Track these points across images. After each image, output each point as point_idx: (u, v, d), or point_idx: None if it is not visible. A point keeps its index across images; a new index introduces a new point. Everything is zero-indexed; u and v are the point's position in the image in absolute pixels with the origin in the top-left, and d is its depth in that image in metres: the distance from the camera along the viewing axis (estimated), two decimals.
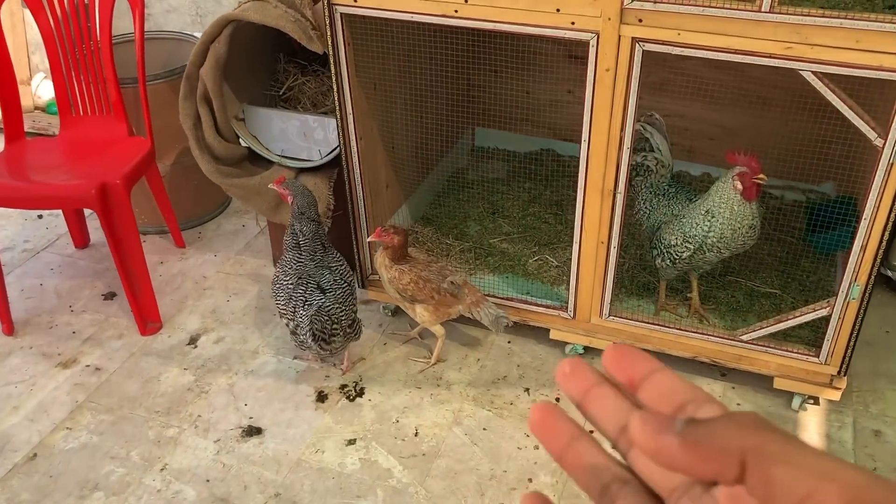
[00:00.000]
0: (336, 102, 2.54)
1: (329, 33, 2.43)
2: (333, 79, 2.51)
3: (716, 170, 3.51)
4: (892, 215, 2.14)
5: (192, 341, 2.92)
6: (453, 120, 3.18)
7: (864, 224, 2.19)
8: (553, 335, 2.78)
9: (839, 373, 2.48)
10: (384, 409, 2.62)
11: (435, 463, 2.42)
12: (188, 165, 3.24)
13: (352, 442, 2.50)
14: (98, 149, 2.97)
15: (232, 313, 3.06)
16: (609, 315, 2.67)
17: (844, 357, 2.44)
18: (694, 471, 0.37)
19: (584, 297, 2.66)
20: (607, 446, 0.44)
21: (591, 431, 0.45)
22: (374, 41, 2.57)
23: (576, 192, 2.34)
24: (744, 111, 3.24)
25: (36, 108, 4.33)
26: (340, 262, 2.63)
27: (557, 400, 2.63)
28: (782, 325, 2.48)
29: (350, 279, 2.62)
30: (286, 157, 2.93)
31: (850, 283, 2.30)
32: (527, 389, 2.68)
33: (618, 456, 0.44)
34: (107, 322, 3.01)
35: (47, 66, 3.16)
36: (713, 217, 2.47)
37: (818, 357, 2.48)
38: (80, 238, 3.40)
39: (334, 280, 2.56)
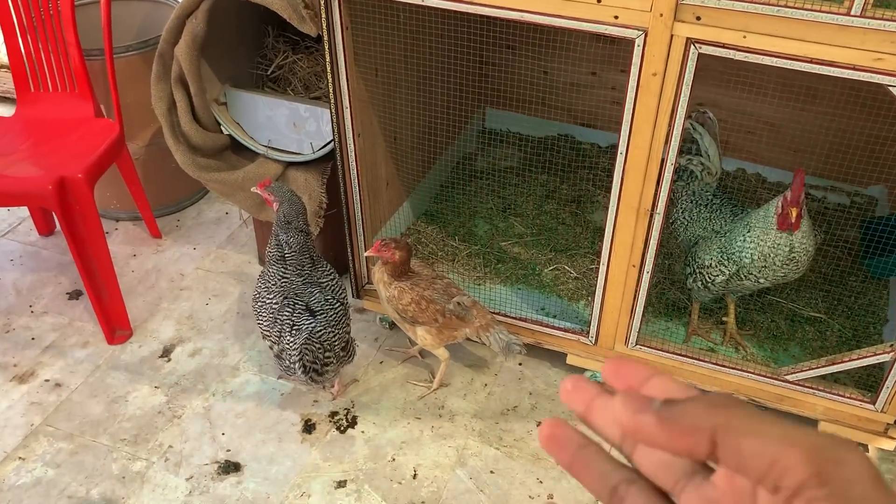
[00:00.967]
0: (331, 95, 2.18)
1: (324, 15, 2.05)
2: (328, 68, 2.14)
3: (751, 166, 3.17)
4: None
5: (166, 353, 2.61)
6: (463, 101, 2.82)
7: None
8: (570, 360, 2.48)
9: None
10: (379, 444, 2.32)
11: None
12: (164, 147, 2.85)
13: (342, 484, 2.21)
14: (59, 133, 2.60)
15: (211, 319, 2.74)
16: (636, 344, 2.36)
17: None
18: (669, 446, 0.40)
19: (608, 323, 2.34)
20: (614, 453, 0.46)
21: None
22: (377, 21, 2.20)
23: (596, 186, 2.01)
24: (787, 103, 2.88)
25: (2, 66, 3.93)
26: (331, 277, 2.30)
27: None
28: (834, 369, 2.17)
29: (343, 297, 2.30)
30: (273, 149, 2.57)
31: None
32: (539, 423, 2.38)
33: (623, 459, 0.46)
34: (70, 327, 2.69)
35: None
36: (750, 240, 2.15)
37: (874, 404, 2.18)
38: (45, 225, 3.06)
39: (325, 300, 2.23)
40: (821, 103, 2.82)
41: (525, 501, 2.17)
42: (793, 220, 2.06)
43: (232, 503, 2.15)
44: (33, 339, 2.64)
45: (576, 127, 3.35)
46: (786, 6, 1.66)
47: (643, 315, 2.35)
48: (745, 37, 1.74)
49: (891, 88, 1.71)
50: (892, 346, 2.08)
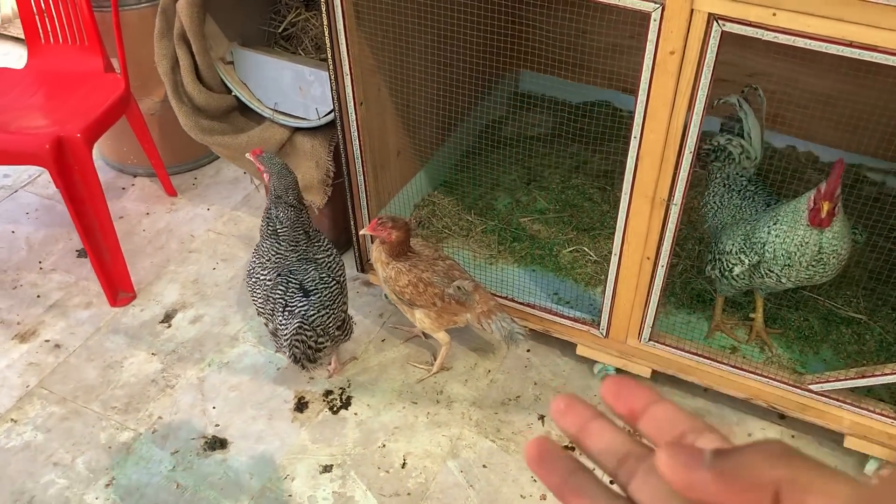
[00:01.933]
0: (329, 62, 2.04)
1: None
2: (325, 32, 1.99)
3: (803, 143, 2.91)
4: None
5: (167, 318, 2.55)
6: (491, 62, 2.64)
7: None
8: (580, 351, 2.33)
9: None
10: (371, 428, 2.23)
11: None
12: None
13: (328, 468, 2.13)
14: (67, 87, 2.53)
15: (216, 285, 2.67)
16: (649, 339, 2.19)
17: None
18: (728, 503, 0.37)
19: (620, 316, 2.18)
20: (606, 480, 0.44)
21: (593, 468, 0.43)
22: None
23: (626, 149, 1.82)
24: (845, 76, 2.60)
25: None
26: (328, 253, 2.19)
27: None
28: (864, 383, 1.97)
29: (339, 274, 2.18)
30: (280, 113, 2.45)
31: None
32: (542, 417, 2.25)
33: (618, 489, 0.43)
34: (76, 286, 2.66)
35: None
36: (776, 234, 1.95)
37: None
38: None
39: (320, 277, 2.12)
40: (882, 78, 2.54)
41: (516, 501, 2.05)
42: (823, 216, 1.85)
43: (214, 481, 2.10)
44: (39, 296, 2.62)
45: (616, 93, 3.14)
46: None
47: (662, 306, 2.18)
48: (774, 14, 1.52)
49: None
50: None
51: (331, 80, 2.08)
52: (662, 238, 1.96)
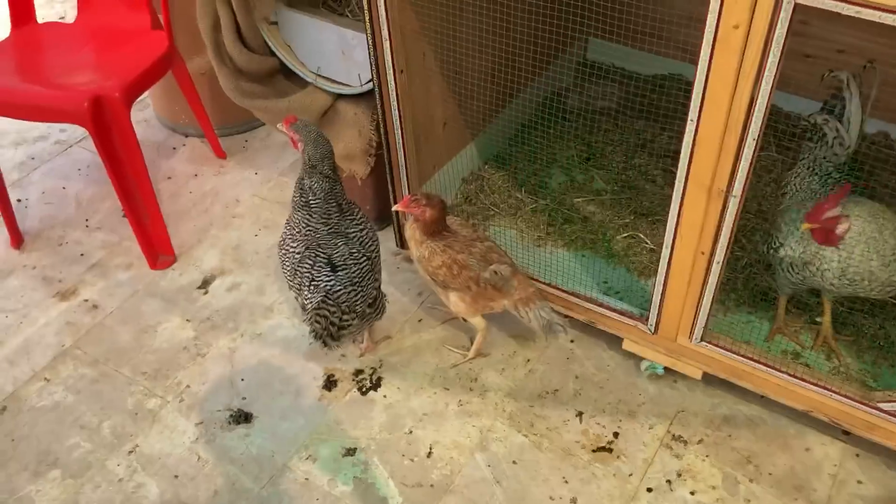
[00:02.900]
0: (367, 26, 1.91)
1: None
2: None
3: None
4: None
5: (205, 284, 2.51)
6: (557, 28, 2.46)
7: None
8: (627, 346, 2.17)
9: None
10: (399, 413, 2.13)
11: (442, 501, 1.94)
12: None
13: (351, 452, 2.05)
14: (112, 44, 2.48)
15: (256, 253, 2.61)
16: (701, 339, 2.01)
17: None
18: None
19: (670, 313, 2.01)
20: None
21: None
22: None
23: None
24: None
25: None
26: (361, 228, 2.08)
27: (616, 435, 2.06)
28: None
29: (371, 250, 2.08)
30: (323, 78, 2.34)
31: None
32: (580, 414, 2.11)
33: None
34: (119, 247, 2.64)
35: None
36: (794, 234, 1.77)
37: None
38: None
39: (350, 253, 2.02)
40: None
41: (544, 503, 1.93)
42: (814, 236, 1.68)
43: (235, 457, 2.05)
44: (82, 255, 2.62)
45: (690, 66, 2.88)
46: None
47: (718, 304, 2.00)
48: None
49: None
50: None
51: (368, 45, 1.95)
52: (719, 232, 1.77)
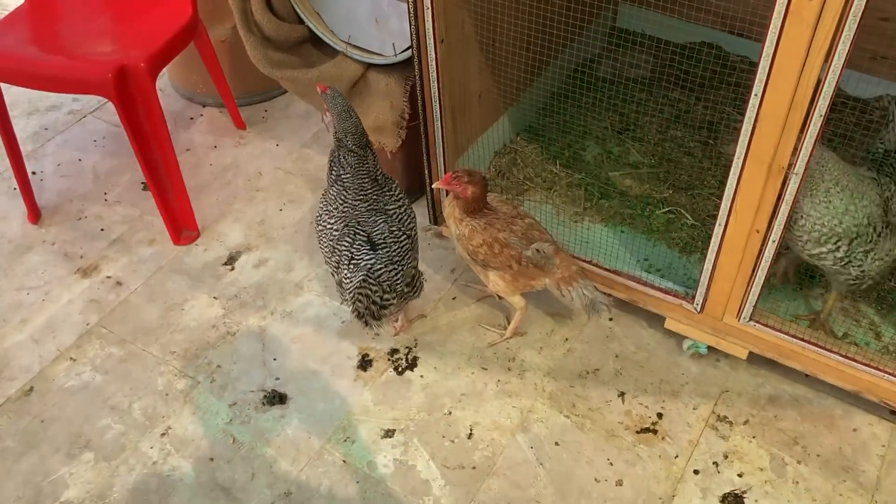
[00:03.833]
0: None
1: None
2: None
3: None
4: None
5: (231, 261, 2.45)
6: None
7: None
8: (669, 325, 2.12)
9: None
10: (436, 393, 2.09)
11: (485, 483, 1.91)
12: None
13: (390, 433, 2.01)
14: (133, 11, 2.39)
15: (282, 227, 2.54)
16: (750, 319, 1.97)
17: None
18: None
19: (719, 291, 1.96)
20: None
21: None
22: None
23: (738, 111, 1.57)
24: None
25: None
26: (400, 204, 2.02)
27: (660, 416, 2.02)
28: None
29: (411, 228, 2.02)
30: (354, 47, 2.25)
31: None
32: (622, 394, 2.07)
33: None
34: (140, 221, 2.57)
35: None
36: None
37: None
38: None
39: (390, 231, 1.96)
40: None
41: (589, 485, 1.89)
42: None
43: (272, 439, 2.01)
44: (102, 229, 2.55)
45: (725, 35, 2.82)
46: None
47: (765, 282, 1.94)
48: None
49: None
50: None
51: (410, 13, 1.87)
52: (777, 210, 1.72)
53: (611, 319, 2.24)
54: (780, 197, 1.69)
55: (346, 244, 1.94)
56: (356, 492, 1.90)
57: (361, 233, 1.95)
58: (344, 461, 1.96)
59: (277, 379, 2.14)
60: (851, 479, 1.88)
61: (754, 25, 2.50)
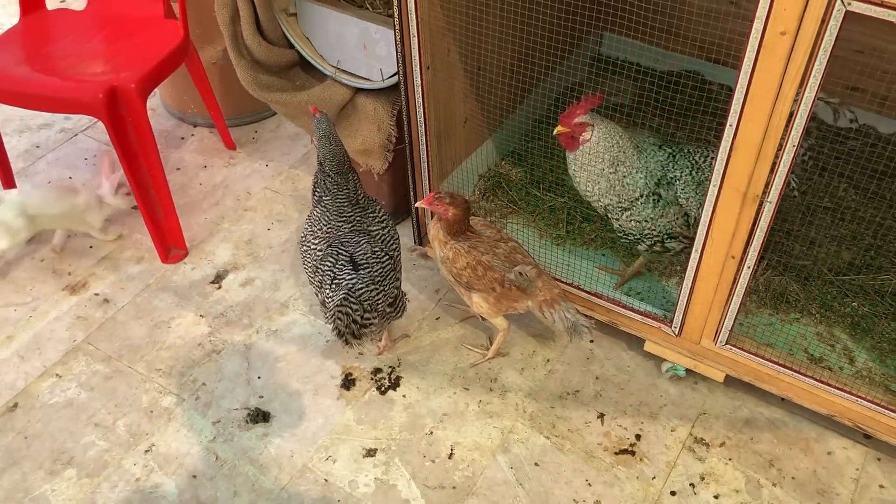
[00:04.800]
0: (395, 21, 1.87)
1: None
2: None
3: None
4: None
5: (218, 279, 2.47)
6: (573, 22, 2.43)
7: None
8: (649, 347, 2.16)
9: None
10: (419, 413, 2.11)
11: (465, 503, 1.93)
12: None
13: (371, 452, 2.03)
14: (124, 33, 2.43)
15: (269, 247, 2.57)
16: (726, 343, 2.01)
17: None
18: None
19: (695, 316, 2.00)
20: None
21: None
22: None
23: (719, 138, 1.64)
24: None
25: None
26: (383, 225, 2.05)
27: (638, 437, 2.05)
28: None
29: (393, 248, 2.05)
30: (342, 71, 2.30)
31: None
32: (601, 416, 2.10)
33: None
34: (129, 239, 2.60)
35: None
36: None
37: None
38: None
39: (372, 251, 1.99)
40: None
41: None
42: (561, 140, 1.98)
43: (255, 456, 2.03)
44: (91, 247, 2.57)
45: (705, 63, 2.88)
46: None
47: (743, 307, 1.99)
48: None
49: None
50: None
51: (396, 41, 1.91)
52: (751, 237, 1.76)
53: (592, 341, 2.27)
54: (754, 224, 1.74)
55: (329, 264, 1.97)
56: None
57: (344, 253, 1.98)
58: (326, 480, 1.98)
59: (261, 397, 2.16)
60: (825, 502, 1.91)
61: (731, 55, 2.56)
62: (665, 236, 2.03)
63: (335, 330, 1.93)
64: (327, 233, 2.01)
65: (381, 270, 1.99)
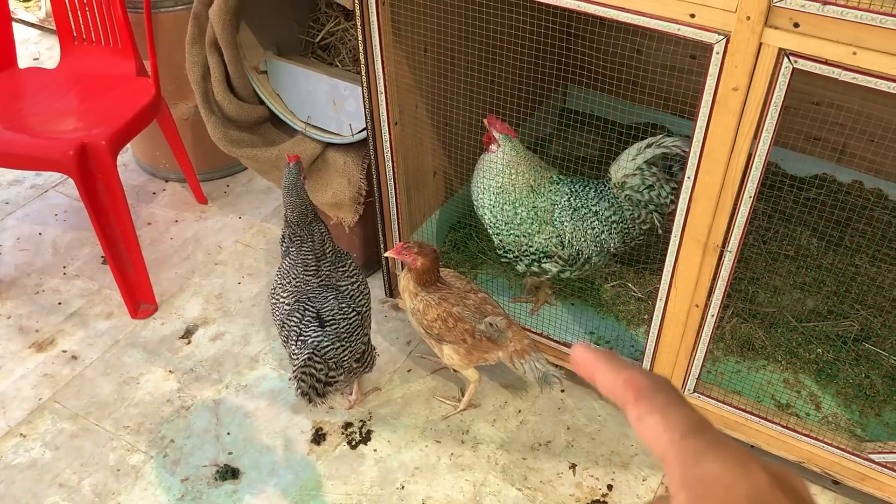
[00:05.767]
0: (363, 80, 1.92)
1: None
2: (360, 48, 1.87)
3: (871, 179, 2.71)
4: None
5: (187, 334, 2.46)
6: (539, 77, 2.49)
7: None
8: None
9: None
10: (390, 467, 2.10)
11: None
12: None
13: None
14: (97, 91, 2.45)
15: (240, 301, 2.57)
16: (694, 391, 2.03)
17: None
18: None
19: (663, 364, 2.02)
20: None
21: None
22: None
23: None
24: None
25: None
26: (352, 280, 2.06)
27: (610, 488, 2.05)
28: None
29: (361, 304, 2.06)
30: (312, 127, 2.33)
31: None
32: (573, 466, 2.10)
33: None
34: (98, 294, 2.58)
35: None
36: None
37: None
38: None
39: (339, 307, 1.99)
40: None
41: None
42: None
43: None
44: (60, 303, 2.55)
45: (669, 116, 2.96)
46: None
47: (710, 355, 2.01)
48: (855, 53, 1.35)
49: None
50: None
51: (364, 99, 1.95)
52: (714, 286, 1.79)
53: (563, 391, 2.28)
54: (716, 273, 1.78)
55: (296, 319, 1.97)
56: None
57: (311, 309, 1.98)
58: None
59: (230, 453, 2.14)
60: None
61: (694, 107, 2.65)
62: (542, 255, 2.11)
63: (299, 390, 1.91)
64: (296, 286, 2.02)
65: (347, 327, 1.99)
